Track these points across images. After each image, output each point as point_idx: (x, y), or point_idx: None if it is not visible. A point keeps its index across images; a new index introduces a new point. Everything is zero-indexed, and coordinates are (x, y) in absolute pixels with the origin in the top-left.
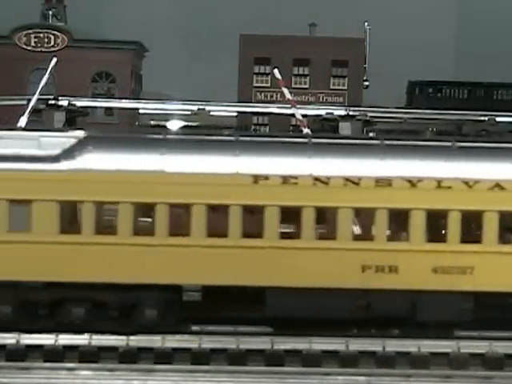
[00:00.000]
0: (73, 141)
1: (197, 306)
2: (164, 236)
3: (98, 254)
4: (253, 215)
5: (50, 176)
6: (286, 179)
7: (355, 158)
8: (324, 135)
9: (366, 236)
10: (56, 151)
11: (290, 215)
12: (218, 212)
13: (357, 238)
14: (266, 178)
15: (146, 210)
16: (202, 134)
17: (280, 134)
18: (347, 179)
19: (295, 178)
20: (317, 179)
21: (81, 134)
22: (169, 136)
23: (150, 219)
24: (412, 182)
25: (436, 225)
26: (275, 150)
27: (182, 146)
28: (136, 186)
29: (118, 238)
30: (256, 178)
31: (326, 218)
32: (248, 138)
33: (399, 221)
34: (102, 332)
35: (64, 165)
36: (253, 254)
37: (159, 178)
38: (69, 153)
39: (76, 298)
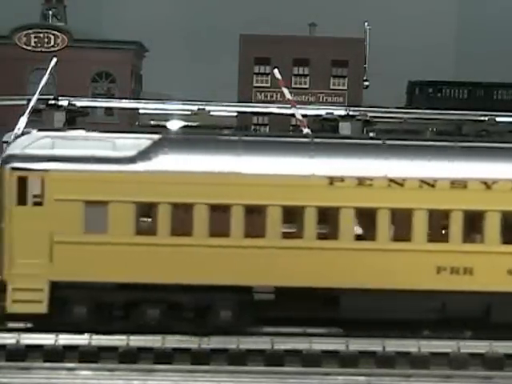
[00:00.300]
0: (148, 142)
1: (269, 307)
2: (239, 237)
3: (173, 256)
4: (327, 217)
5: (126, 177)
6: (361, 181)
7: (430, 160)
8: (398, 137)
9: (440, 238)
10: (131, 152)
11: (365, 217)
12: (292, 213)
13: (432, 239)
14: (342, 179)
15: (222, 211)
16: (279, 136)
17: (355, 136)
18: (422, 181)
19: (370, 179)
20: (392, 181)
21: (156, 135)
22: (244, 137)
23: (225, 220)
24: (487, 184)
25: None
26: (350, 152)
27: (257, 148)
28: (212, 187)
29: (193, 240)
30: (331, 180)
31: (401, 219)
32: (323, 140)
33: (474, 222)
34: (178, 333)
35: (140, 166)
36: (327, 256)
37: (235, 179)
38: (144, 154)
39: (151, 299)
